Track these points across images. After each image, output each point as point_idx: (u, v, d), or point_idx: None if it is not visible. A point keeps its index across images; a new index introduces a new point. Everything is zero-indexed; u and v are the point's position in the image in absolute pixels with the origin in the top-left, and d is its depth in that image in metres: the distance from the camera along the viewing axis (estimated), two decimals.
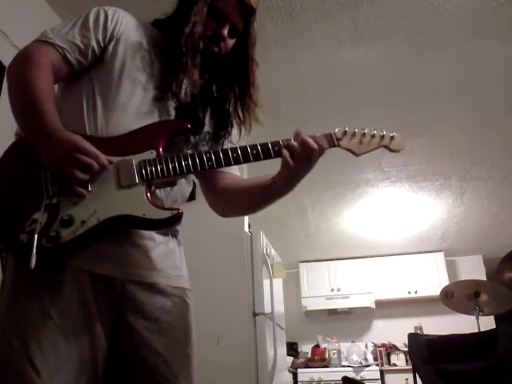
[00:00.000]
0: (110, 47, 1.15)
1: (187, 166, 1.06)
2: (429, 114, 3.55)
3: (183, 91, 1.18)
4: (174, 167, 1.05)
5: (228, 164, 1.10)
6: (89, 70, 1.15)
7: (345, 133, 1.16)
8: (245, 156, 1.09)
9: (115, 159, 1.04)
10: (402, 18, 2.69)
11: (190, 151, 1.20)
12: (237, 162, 1.10)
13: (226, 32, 1.21)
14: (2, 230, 1.00)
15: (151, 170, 1.04)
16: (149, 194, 1.03)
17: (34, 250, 0.93)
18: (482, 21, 2.71)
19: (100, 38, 1.13)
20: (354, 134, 1.16)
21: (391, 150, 1.19)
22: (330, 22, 2.70)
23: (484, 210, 5.21)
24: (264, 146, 1.11)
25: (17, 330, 0.95)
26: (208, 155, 1.08)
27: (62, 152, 0.97)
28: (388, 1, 2.58)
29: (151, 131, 1.09)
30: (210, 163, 1.07)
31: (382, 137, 1.18)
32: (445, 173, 4.46)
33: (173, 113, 1.17)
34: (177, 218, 1.02)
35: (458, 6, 2.62)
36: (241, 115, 1.28)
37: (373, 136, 1.17)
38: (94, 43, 1.12)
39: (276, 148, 1.10)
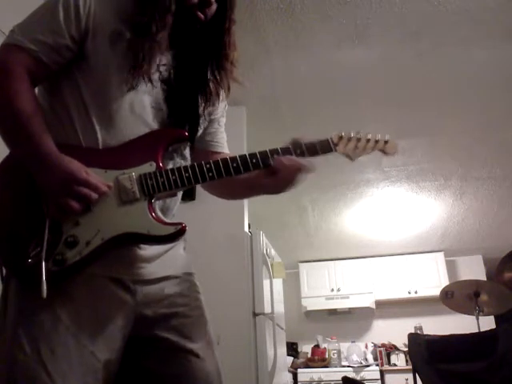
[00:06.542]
0: (89, 42, 1.05)
1: (188, 178, 1.05)
2: (429, 114, 3.54)
3: (159, 71, 1.11)
4: (175, 180, 1.04)
5: (228, 174, 1.08)
6: (71, 70, 1.06)
7: (341, 137, 1.17)
8: (245, 165, 1.09)
9: (114, 173, 1.02)
10: (402, 18, 2.69)
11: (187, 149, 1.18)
12: (237, 171, 1.09)
13: None
14: (5, 255, 0.98)
15: (152, 184, 1.02)
16: (151, 209, 1.02)
17: (44, 278, 0.92)
18: (481, 21, 2.71)
19: (74, 32, 1.04)
20: (349, 139, 1.18)
21: (386, 154, 1.22)
22: (329, 22, 2.70)
23: (484, 210, 5.21)
24: (263, 154, 1.11)
25: (28, 334, 0.94)
26: (208, 166, 1.07)
27: (58, 181, 0.95)
28: (388, 1, 2.58)
29: (149, 141, 1.06)
30: (210, 174, 1.07)
31: (377, 141, 1.20)
32: (445, 173, 4.46)
33: (164, 106, 1.11)
34: (181, 232, 1.02)
35: (457, 6, 2.62)
36: (218, 77, 1.20)
37: (368, 140, 1.19)
38: (67, 41, 1.03)
39: (274, 156, 1.11)
